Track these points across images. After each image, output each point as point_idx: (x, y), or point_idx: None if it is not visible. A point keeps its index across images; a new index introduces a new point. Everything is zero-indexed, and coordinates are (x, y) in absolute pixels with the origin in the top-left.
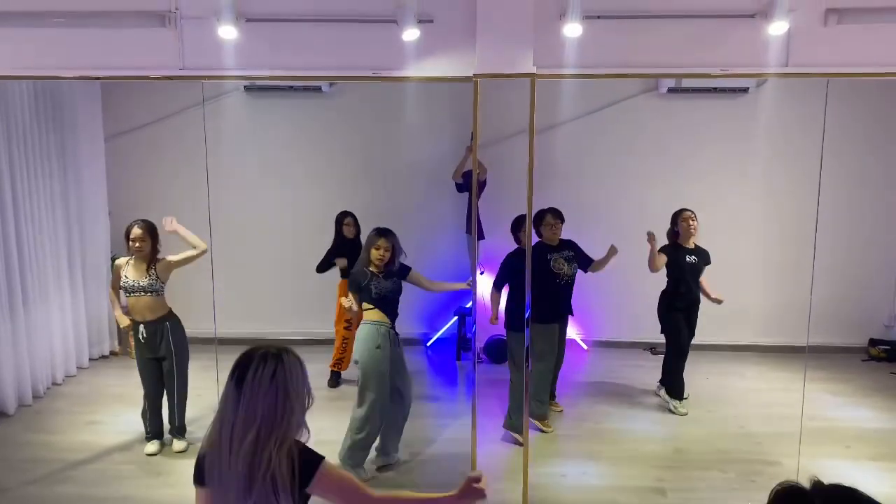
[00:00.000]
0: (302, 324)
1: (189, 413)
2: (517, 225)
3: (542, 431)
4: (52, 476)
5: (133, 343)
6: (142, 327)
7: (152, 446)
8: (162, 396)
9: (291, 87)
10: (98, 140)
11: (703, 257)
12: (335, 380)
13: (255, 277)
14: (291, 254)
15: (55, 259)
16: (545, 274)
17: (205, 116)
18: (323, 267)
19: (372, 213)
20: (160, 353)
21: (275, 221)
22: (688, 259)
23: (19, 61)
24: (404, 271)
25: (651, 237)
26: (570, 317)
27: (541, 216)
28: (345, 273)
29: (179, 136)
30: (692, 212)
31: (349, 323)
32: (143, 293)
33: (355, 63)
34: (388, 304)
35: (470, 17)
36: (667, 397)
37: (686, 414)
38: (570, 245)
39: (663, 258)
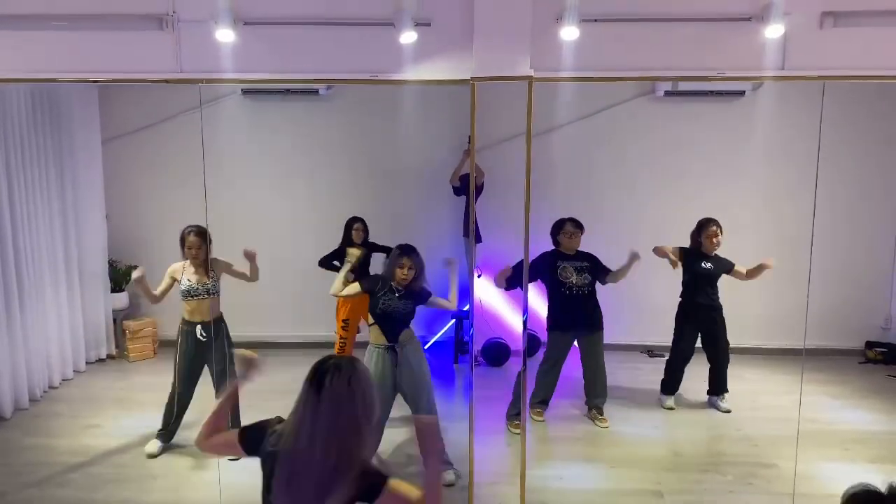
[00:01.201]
0: (301, 327)
1: (190, 416)
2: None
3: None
4: (50, 480)
5: (181, 343)
6: (199, 327)
7: (153, 446)
8: (193, 394)
9: (289, 90)
10: (95, 143)
11: (721, 264)
12: None
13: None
14: (290, 257)
15: (52, 262)
16: (554, 282)
17: (202, 120)
18: (325, 262)
19: (369, 216)
20: (213, 352)
21: (272, 225)
22: (703, 266)
23: (16, 64)
24: (424, 295)
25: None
26: (599, 332)
27: (560, 224)
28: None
29: (177, 140)
30: (718, 226)
31: (346, 323)
32: (206, 295)
33: (352, 66)
34: (390, 323)
35: (467, 21)
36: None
37: (672, 409)
38: (586, 257)
39: (675, 251)
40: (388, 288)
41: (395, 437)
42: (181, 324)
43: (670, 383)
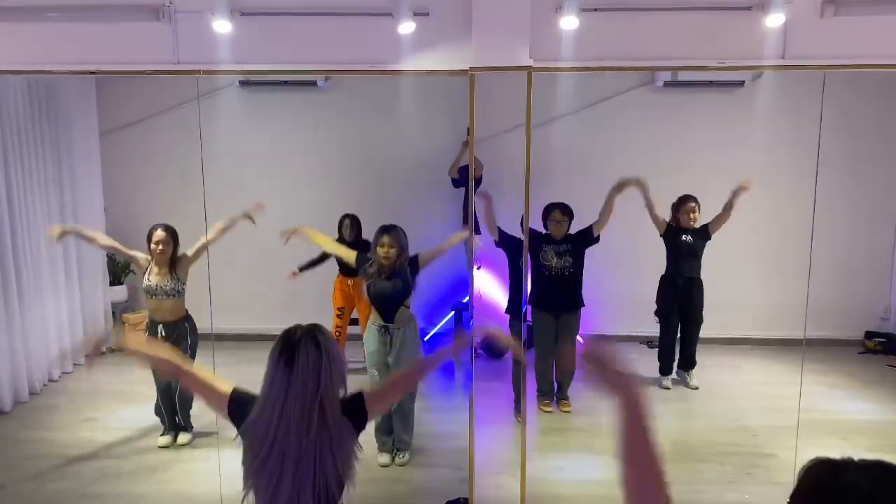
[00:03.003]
0: (298, 320)
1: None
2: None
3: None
4: (50, 473)
5: (139, 330)
6: (161, 327)
7: (165, 439)
8: (176, 392)
9: (286, 81)
10: (93, 135)
11: (701, 234)
12: None
13: (251, 273)
14: (287, 249)
15: (50, 255)
16: (536, 263)
17: (200, 111)
18: (312, 264)
19: (367, 208)
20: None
21: (270, 216)
22: (683, 239)
23: (12, 56)
24: (413, 265)
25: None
26: (577, 312)
27: (548, 210)
28: (343, 269)
29: (174, 131)
30: (696, 203)
31: (341, 311)
32: (165, 297)
33: (351, 57)
34: (382, 304)
35: (466, 10)
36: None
37: (669, 388)
38: (571, 239)
39: (662, 221)
40: (376, 270)
41: None
42: (147, 319)
43: (665, 363)
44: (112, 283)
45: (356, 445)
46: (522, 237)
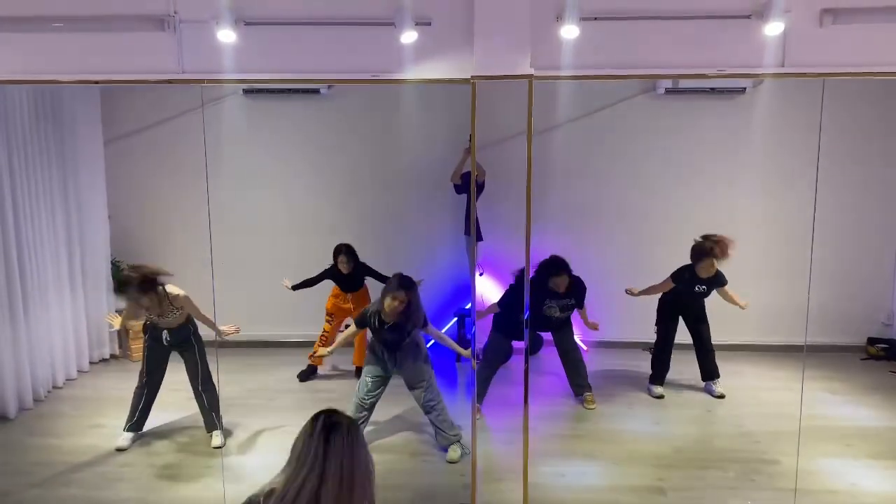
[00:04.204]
0: (300, 326)
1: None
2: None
3: None
4: (55, 479)
5: (146, 337)
6: (166, 332)
7: (125, 441)
8: (160, 385)
9: (289, 89)
10: (97, 144)
11: (717, 281)
12: (306, 374)
13: (255, 280)
14: (291, 256)
15: (55, 262)
16: (538, 314)
17: (204, 120)
18: (308, 284)
19: (370, 215)
20: (179, 347)
21: (274, 224)
22: (697, 289)
23: (18, 66)
24: (419, 325)
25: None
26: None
27: (547, 274)
28: (342, 285)
29: (178, 140)
30: (721, 249)
31: (331, 317)
32: (168, 319)
33: (353, 66)
34: (385, 347)
35: (467, 20)
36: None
37: (662, 397)
38: (573, 293)
39: (669, 285)
40: (379, 319)
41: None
42: (147, 320)
43: (657, 372)
44: (116, 290)
45: None
46: (521, 282)
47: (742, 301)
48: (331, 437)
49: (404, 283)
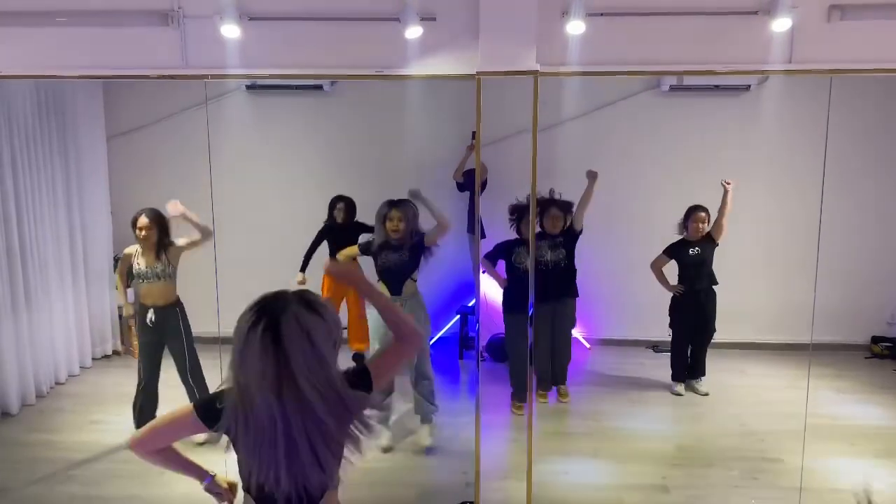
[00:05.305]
0: None
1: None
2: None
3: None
4: (56, 476)
5: (134, 331)
6: (151, 311)
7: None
8: (158, 382)
9: (293, 85)
10: (100, 139)
11: (708, 242)
12: None
13: (259, 275)
14: (294, 252)
15: (58, 259)
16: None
17: (207, 115)
18: (308, 257)
19: (373, 211)
20: (167, 336)
21: (278, 219)
22: (690, 252)
23: (21, 60)
24: (419, 242)
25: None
26: (572, 302)
27: (545, 207)
28: (333, 255)
29: (182, 135)
30: (706, 212)
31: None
32: (156, 279)
33: (358, 61)
34: (390, 277)
35: (473, 15)
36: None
37: (682, 395)
38: (563, 233)
39: (665, 260)
40: (383, 244)
41: None
42: (137, 305)
43: (677, 370)
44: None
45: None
46: (513, 237)
47: (722, 199)
48: (280, 322)
49: (396, 203)
